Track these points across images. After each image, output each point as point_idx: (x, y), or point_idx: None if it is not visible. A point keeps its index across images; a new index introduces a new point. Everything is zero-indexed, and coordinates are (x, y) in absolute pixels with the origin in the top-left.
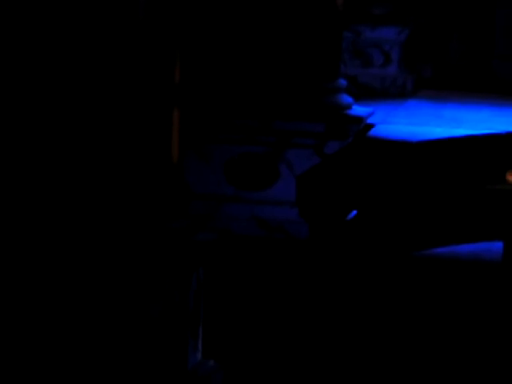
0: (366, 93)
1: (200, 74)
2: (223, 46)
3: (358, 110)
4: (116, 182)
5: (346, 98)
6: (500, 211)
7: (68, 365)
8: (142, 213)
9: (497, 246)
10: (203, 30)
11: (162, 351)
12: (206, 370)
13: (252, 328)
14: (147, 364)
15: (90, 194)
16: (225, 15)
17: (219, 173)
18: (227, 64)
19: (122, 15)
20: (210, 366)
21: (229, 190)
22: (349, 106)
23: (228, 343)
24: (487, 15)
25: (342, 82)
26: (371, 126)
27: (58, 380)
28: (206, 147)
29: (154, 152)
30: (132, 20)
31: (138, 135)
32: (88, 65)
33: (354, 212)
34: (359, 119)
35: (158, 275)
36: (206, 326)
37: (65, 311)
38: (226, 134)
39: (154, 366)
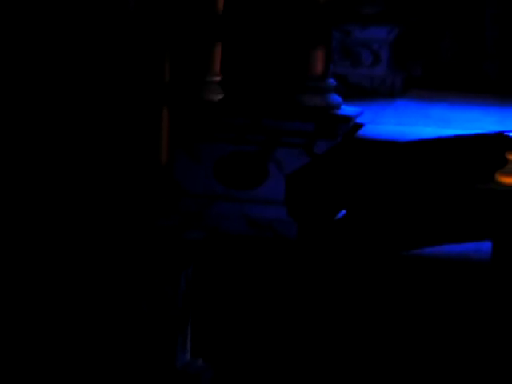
0: (355, 92)
1: (189, 73)
2: (213, 46)
3: (347, 109)
4: (106, 181)
5: (335, 98)
6: (489, 211)
7: (57, 361)
8: (131, 211)
9: (486, 246)
10: (192, 28)
11: (150, 350)
12: (194, 368)
13: (241, 327)
14: (136, 363)
15: (79, 193)
16: (213, 16)
17: (209, 171)
18: (217, 63)
19: (112, 14)
20: (198, 364)
21: (218, 189)
22: (338, 106)
23: (217, 342)
24: (478, 15)
25: (331, 82)
26: (360, 125)
27: (47, 376)
28: (196, 146)
29: (143, 151)
30: (122, 19)
31: (128, 134)
32: (77, 63)
33: (343, 211)
34: (348, 119)
35: (147, 274)
36: (194, 325)
37: (55, 307)
38: (215, 132)
39: (143, 364)
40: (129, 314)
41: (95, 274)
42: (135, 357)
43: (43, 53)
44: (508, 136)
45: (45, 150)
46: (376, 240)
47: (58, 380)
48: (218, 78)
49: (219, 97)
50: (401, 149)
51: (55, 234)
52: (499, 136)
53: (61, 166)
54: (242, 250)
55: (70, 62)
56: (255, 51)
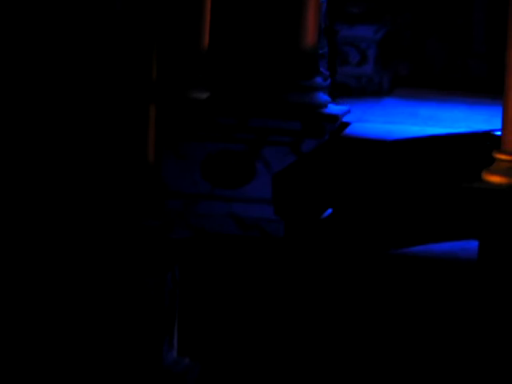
0: (342, 91)
1: (176, 72)
2: (199, 45)
3: (334, 108)
4: (92, 181)
5: (322, 97)
6: (476, 210)
7: (43, 359)
8: (118, 210)
9: (473, 245)
10: (180, 27)
11: (137, 349)
12: (181, 367)
13: (227, 326)
14: (123, 361)
15: (65, 192)
16: (199, 15)
17: (196, 170)
18: (204, 62)
19: (99, 14)
20: (185, 363)
21: (205, 188)
22: (325, 105)
23: (204, 341)
24: (465, 14)
25: (318, 81)
26: (347, 124)
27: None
28: (183, 145)
29: (130, 150)
30: (109, 19)
31: (115, 133)
32: (64, 62)
33: (330, 210)
34: (335, 117)
35: (133, 273)
36: (181, 324)
37: (40, 306)
38: (202, 131)
39: (130, 363)
40: (115, 314)
41: (81, 273)
42: (122, 355)
43: (29, 52)
44: (495, 135)
45: (28, 149)
46: (363, 239)
47: (44, 378)
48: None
49: (206, 95)
50: (388, 147)
51: (39, 233)
52: (486, 135)
53: (47, 163)
54: (229, 249)
55: (57, 61)
56: (242, 49)
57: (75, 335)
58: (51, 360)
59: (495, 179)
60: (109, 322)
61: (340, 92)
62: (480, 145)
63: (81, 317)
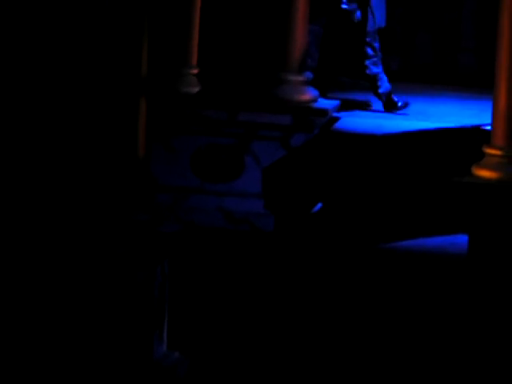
0: (333, 85)
1: (167, 66)
2: (189, 39)
3: (324, 102)
4: (82, 175)
5: (312, 91)
6: (465, 205)
7: (33, 353)
8: (108, 204)
9: (462, 240)
10: (170, 22)
11: (127, 342)
12: (171, 361)
13: (217, 319)
14: (113, 355)
15: (54, 187)
16: (189, 10)
17: (185, 164)
18: (194, 56)
19: (88, 8)
20: (175, 357)
21: (195, 182)
22: (315, 99)
23: (193, 335)
24: (454, 9)
25: (308, 75)
26: (337, 118)
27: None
28: (173, 139)
29: (120, 144)
30: (98, 13)
31: (105, 127)
32: (53, 58)
33: (320, 204)
34: (325, 112)
35: (123, 267)
36: (171, 318)
37: (29, 300)
38: (192, 125)
39: (120, 356)
40: (105, 307)
41: (71, 267)
42: (112, 349)
43: (18, 48)
44: (485, 129)
45: (17, 145)
46: (353, 233)
47: (34, 370)
48: (195, 71)
49: (196, 89)
50: (378, 142)
51: (27, 226)
52: (476, 129)
53: (36, 157)
54: (218, 243)
55: (46, 56)
56: (232, 44)
57: (65, 328)
58: (41, 353)
59: (485, 174)
60: (99, 315)
61: (331, 86)
62: (470, 139)
63: (70, 310)
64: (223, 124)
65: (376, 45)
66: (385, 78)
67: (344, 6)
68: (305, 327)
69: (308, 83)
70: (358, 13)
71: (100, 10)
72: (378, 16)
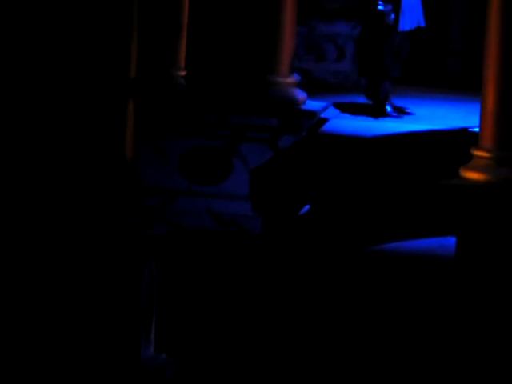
0: (320, 87)
1: (155, 68)
2: (178, 41)
3: (312, 104)
4: (69, 177)
5: (300, 93)
6: (453, 207)
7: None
8: (96, 206)
9: (450, 242)
10: (158, 23)
11: (115, 344)
12: (158, 363)
13: (204, 321)
14: (101, 356)
15: (43, 187)
16: (178, 12)
17: (174, 167)
18: (182, 58)
19: (77, 6)
20: (162, 359)
21: (183, 184)
22: (302, 101)
23: (181, 337)
24: (442, 12)
25: (296, 77)
26: (325, 120)
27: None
28: (161, 141)
29: (108, 145)
30: (86, 11)
31: (93, 129)
32: (41, 57)
33: (307, 206)
34: (312, 114)
35: (111, 269)
36: (158, 320)
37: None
38: (180, 127)
39: (108, 358)
40: (93, 309)
41: (59, 269)
42: (100, 351)
43: (5, 48)
44: (473, 131)
45: (5, 148)
46: (340, 235)
47: (19, 373)
48: (183, 73)
49: (185, 92)
50: (366, 144)
51: (17, 228)
52: (464, 132)
53: (24, 158)
54: (206, 244)
55: (33, 56)
56: (220, 47)
57: (52, 328)
58: (28, 353)
59: (473, 176)
60: (86, 316)
61: (318, 88)
62: (458, 141)
63: (58, 311)
64: (211, 126)
65: (405, 49)
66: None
67: (380, 8)
68: (292, 328)
69: (296, 85)
70: (393, 15)
71: (88, 11)
72: (408, 18)
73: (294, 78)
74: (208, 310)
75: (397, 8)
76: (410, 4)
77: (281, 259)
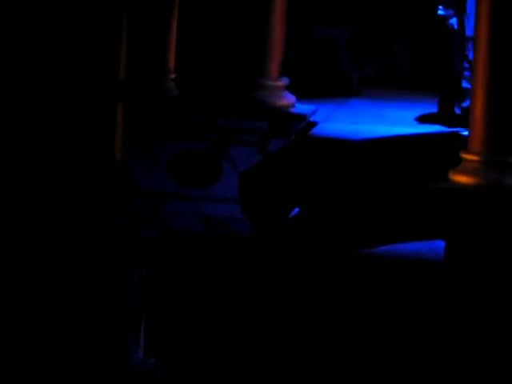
0: (309, 91)
1: (144, 71)
2: (167, 43)
3: (301, 108)
4: (59, 180)
5: (289, 96)
6: (442, 210)
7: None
8: (85, 210)
9: (439, 245)
10: (147, 26)
11: (104, 347)
12: (147, 366)
13: (194, 325)
14: (90, 360)
15: (32, 190)
16: (167, 15)
17: (163, 169)
18: (172, 61)
19: (67, 8)
20: (151, 363)
21: (172, 187)
22: (292, 104)
23: (170, 341)
24: (431, 14)
25: (285, 80)
26: (314, 123)
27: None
28: (150, 144)
29: (97, 148)
30: (76, 14)
31: (82, 131)
32: (29, 59)
33: (297, 209)
34: (302, 117)
35: (100, 272)
36: (147, 324)
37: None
38: (170, 130)
39: (97, 361)
40: (82, 313)
41: (49, 272)
42: (89, 354)
43: None
44: (462, 135)
45: None
46: (329, 238)
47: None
48: (172, 76)
49: (174, 94)
50: (354, 147)
51: (6, 231)
52: (453, 135)
53: (12, 162)
54: (196, 248)
55: (21, 58)
56: (209, 49)
57: (41, 332)
58: (16, 356)
59: (462, 179)
60: (75, 320)
61: (307, 91)
62: (447, 145)
63: (47, 314)
64: (201, 129)
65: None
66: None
67: (440, 12)
68: (282, 332)
69: (285, 88)
70: (454, 19)
71: (77, 13)
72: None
73: (283, 81)
74: (197, 314)
75: (460, 12)
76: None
77: (270, 262)
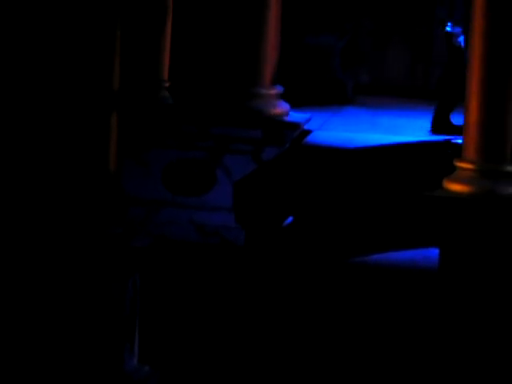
0: (303, 99)
1: (138, 80)
2: (161, 53)
3: (295, 116)
4: (54, 190)
5: (283, 105)
6: (436, 218)
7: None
8: (80, 218)
9: (433, 253)
10: (142, 36)
11: (99, 355)
12: (141, 374)
13: (187, 333)
14: (84, 367)
15: (27, 198)
16: (161, 24)
17: (157, 178)
18: (166, 70)
19: (61, 16)
20: (145, 370)
21: (166, 196)
22: (286, 113)
23: (164, 348)
24: (426, 22)
25: (279, 89)
26: (308, 132)
27: None
28: (145, 153)
29: (92, 157)
30: (70, 21)
31: (76, 141)
32: (22, 68)
33: (291, 218)
34: (296, 125)
35: (94, 281)
36: (142, 332)
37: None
38: (164, 139)
39: (91, 369)
40: (77, 321)
41: (44, 280)
42: (83, 362)
43: None
44: (456, 143)
45: None
46: (323, 247)
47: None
48: (167, 85)
49: (168, 103)
50: (348, 155)
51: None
52: (447, 143)
53: (8, 172)
54: (189, 256)
55: (17, 68)
56: (204, 58)
57: (35, 338)
58: (12, 361)
59: (456, 187)
60: (71, 327)
61: (301, 100)
62: (441, 153)
63: (42, 321)
64: (195, 138)
65: None
66: None
67: (448, 29)
68: (275, 340)
69: (280, 97)
70: (462, 37)
71: (72, 24)
72: None
73: (277, 90)
74: (191, 322)
75: (467, 30)
76: None
77: (264, 271)
